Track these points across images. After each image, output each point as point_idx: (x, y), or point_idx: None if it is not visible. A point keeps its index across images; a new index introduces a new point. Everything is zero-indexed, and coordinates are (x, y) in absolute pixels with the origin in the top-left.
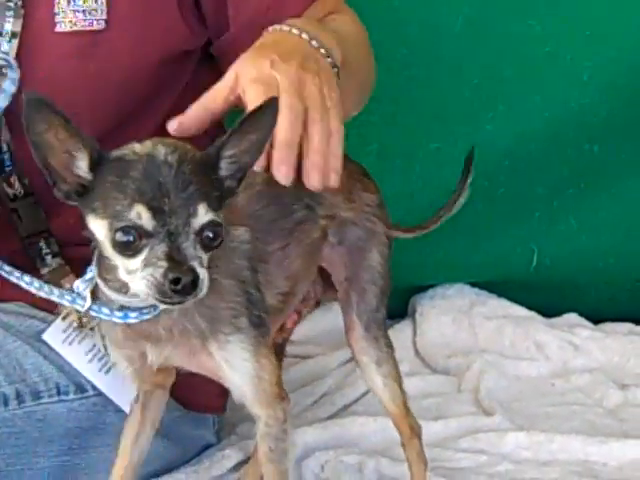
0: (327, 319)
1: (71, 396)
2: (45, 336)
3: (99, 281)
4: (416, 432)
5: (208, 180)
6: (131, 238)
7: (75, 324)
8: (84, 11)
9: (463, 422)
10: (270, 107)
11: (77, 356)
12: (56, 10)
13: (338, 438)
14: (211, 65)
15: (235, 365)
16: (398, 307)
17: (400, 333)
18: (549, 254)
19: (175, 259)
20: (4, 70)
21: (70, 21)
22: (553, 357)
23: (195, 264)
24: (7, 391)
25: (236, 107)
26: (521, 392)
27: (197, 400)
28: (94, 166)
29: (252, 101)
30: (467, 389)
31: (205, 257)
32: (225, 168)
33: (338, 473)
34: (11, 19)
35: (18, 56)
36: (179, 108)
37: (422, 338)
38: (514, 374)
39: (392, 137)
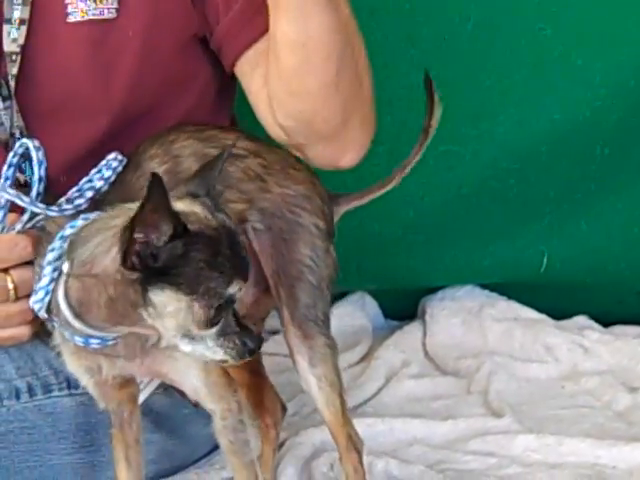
0: (334, 321)
1: (80, 390)
2: None
3: (69, 316)
4: (354, 444)
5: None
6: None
7: None
8: (95, 0)
9: (472, 424)
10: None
11: None
12: (68, 0)
13: None
14: (227, 77)
15: (181, 363)
16: (408, 309)
17: (409, 335)
18: (559, 257)
19: (241, 324)
20: None
21: (82, 10)
22: (563, 360)
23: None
24: (19, 384)
25: None
26: (530, 394)
27: None
28: (173, 239)
29: None
30: (476, 391)
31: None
32: None
33: None
34: (19, 7)
35: (28, 44)
36: (197, 110)
37: (432, 340)
38: (524, 376)
39: (401, 139)
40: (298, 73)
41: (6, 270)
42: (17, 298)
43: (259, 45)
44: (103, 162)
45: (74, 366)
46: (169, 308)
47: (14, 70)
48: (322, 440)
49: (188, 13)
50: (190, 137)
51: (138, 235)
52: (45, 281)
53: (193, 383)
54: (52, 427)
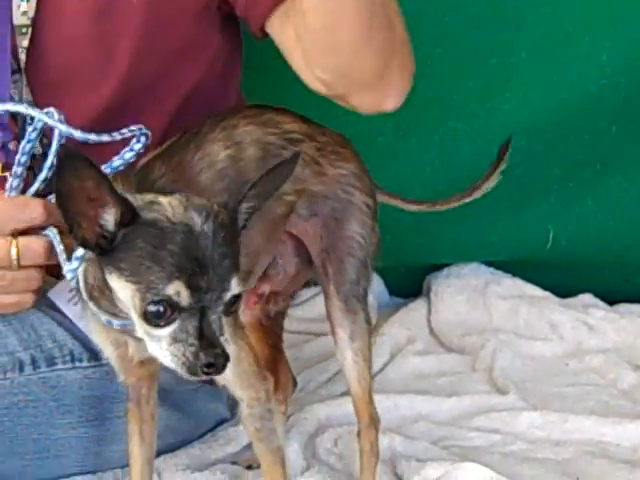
0: None
1: (85, 363)
2: (50, 294)
3: (86, 297)
4: (374, 422)
5: (236, 244)
6: (161, 309)
7: None
8: None
9: (477, 401)
10: (292, 160)
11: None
12: None
13: (351, 415)
14: (236, 47)
15: None
16: (413, 286)
17: (414, 312)
18: (565, 234)
19: (205, 337)
20: None
21: None
22: (567, 337)
23: (222, 340)
24: (23, 357)
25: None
26: (535, 372)
27: None
28: (122, 224)
29: None
30: (481, 368)
31: (224, 324)
32: (243, 219)
33: (351, 450)
34: None
35: (37, 17)
36: (205, 82)
37: (437, 317)
38: (528, 354)
39: (409, 115)
40: (328, 30)
41: (14, 236)
42: (20, 266)
43: (286, 3)
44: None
45: (101, 337)
46: (120, 294)
47: (25, 43)
48: (327, 416)
49: None
50: (251, 122)
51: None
52: (80, 252)
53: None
54: (56, 400)
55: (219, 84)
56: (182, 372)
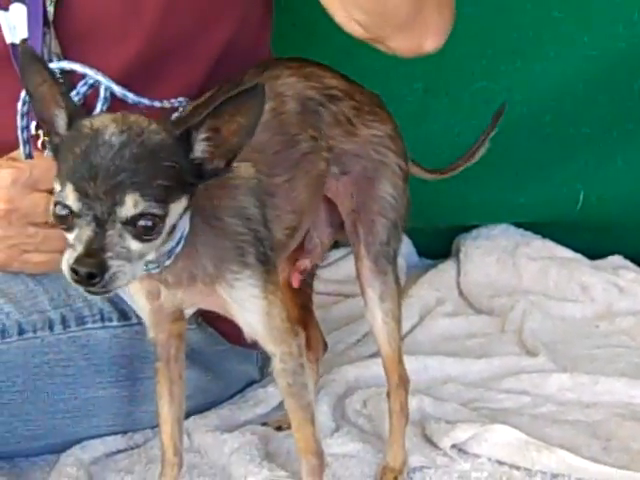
0: None
1: (114, 323)
2: None
3: None
4: (404, 383)
5: (156, 168)
6: (64, 214)
7: None
8: None
9: (506, 362)
10: (254, 91)
11: None
12: None
13: (380, 377)
14: (267, 2)
15: (245, 303)
16: (442, 247)
17: (444, 273)
18: (595, 195)
19: (92, 247)
20: None
21: None
22: (598, 299)
23: (111, 255)
24: (53, 316)
25: None
26: (565, 334)
27: (241, 335)
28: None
29: None
30: (511, 330)
31: (138, 247)
32: (203, 150)
33: (380, 411)
34: None
35: None
36: (236, 41)
37: (466, 278)
38: (558, 315)
39: (438, 76)
40: None
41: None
42: (54, 224)
43: None
44: None
45: (135, 288)
46: None
47: None
48: (356, 377)
49: None
50: (293, 74)
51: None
52: None
53: (253, 326)
54: (87, 360)
55: (251, 41)
56: (68, 279)
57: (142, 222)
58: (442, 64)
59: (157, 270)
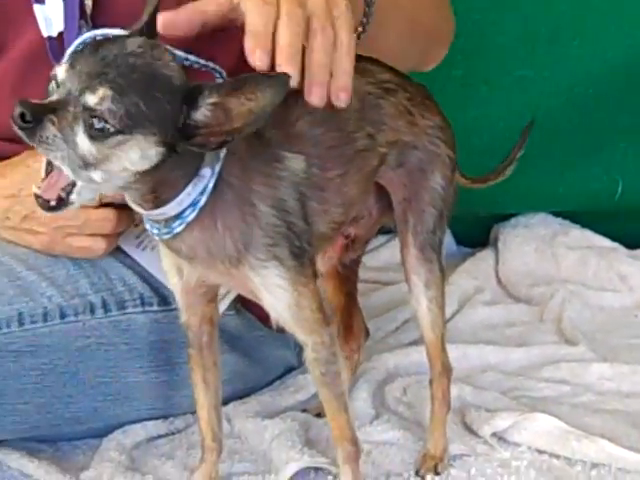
0: None
1: (155, 307)
2: (120, 242)
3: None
4: (447, 371)
5: (145, 89)
6: (50, 87)
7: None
8: None
9: (546, 351)
10: (278, 80)
11: (151, 261)
12: None
13: (419, 364)
14: None
15: (272, 291)
16: (480, 235)
17: (482, 261)
18: (634, 185)
19: (44, 103)
20: None
21: None
22: (636, 289)
23: (53, 120)
24: (94, 299)
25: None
26: (604, 323)
27: None
28: None
29: (250, 10)
30: (549, 319)
31: (81, 140)
32: (205, 116)
33: (420, 399)
34: None
35: None
36: None
37: (504, 267)
38: (597, 305)
39: (477, 63)
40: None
41: None
42: (99, 205)
43: None
44: None
45: (167, 265)
46: None
47: None
48: (395, 365)
49: None
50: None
51: None
52: None
53: (281, 314)
54: (128, 344)
55: None
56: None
57: (97, 119)
58: (481, 52)
59: (168, 236)
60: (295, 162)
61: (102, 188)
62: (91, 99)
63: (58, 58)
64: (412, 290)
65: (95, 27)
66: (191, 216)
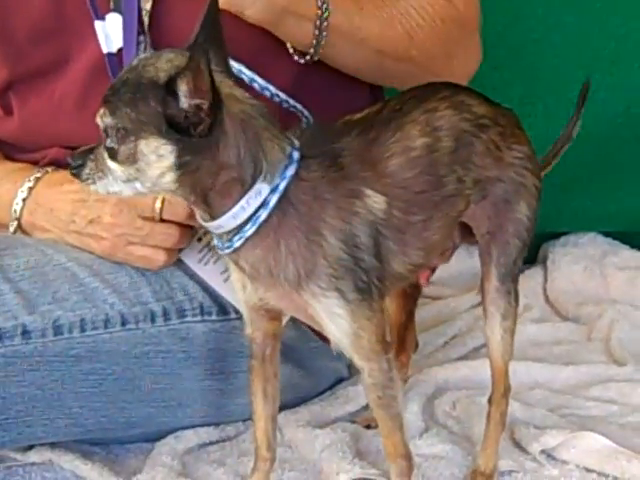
0: (458, 262)
1: (214, 317)
2: (182, 255)
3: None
4: (507, 393)
5: (132, 97)
6: None
7: (211, 244)
8: None
9: (593, 370)
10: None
11: (212, 276)
12: None
13: (469, 379)
14: None
15: (331, 319)
16: (529, 253)
17: (530, 279)
18: None
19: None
20: None
21: None
22: None
23: (92, 158)
24: (155, 308)
25: None
26: None
27: None
28: None
29: None
30: (597, 338)
31: (111, 164)
32: (188, 105)
33: (470, 413)
34: None
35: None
36: None
37: (552, 285)
38: None
39: (536, 83)
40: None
41: None
42: (162, 219)
43: None
44: None
45: (234, 279)
46: None
47: (148, 5)
48: (445, 379)
49: None
50: (449, 106)
51: None
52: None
53: (340, 342)
54: (185, 352)
55: None
56: None
57: (107, 140)
58: (539, 72)
59: (229, 250)
60: (375, 201)
61: (157, 193)
62: (99, 122)
63: (117, 74)
64: (488, 319)
65: (153, 42)
66: (250, 231)
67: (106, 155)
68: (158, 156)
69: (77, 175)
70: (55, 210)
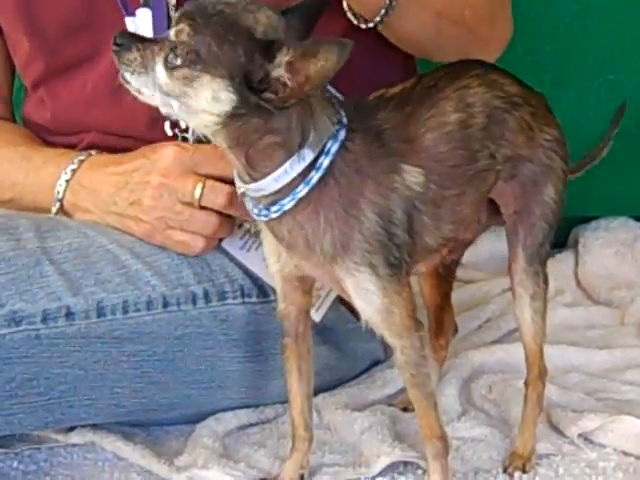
0: (489, 245)
1: (254, 299)
2: (223, 243)
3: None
4: (543, 375)
5: (221, 33)
6: None
7: (252, 231)
8: None
9: (628, 354)
10: (345, 45)
11: (254, 262)
12: None
13: (504, 363)
14: None
15: (363, 295)
16: (560, 237)
17: (562, 263)
18: None
19: (137, 35)
20: None
21: None
22: None
23: (139, 45)
24: (196, 290)
25: None
26: None
27: None
28: None
29: None
30: (630, 322)
31: (158, 68)
32: (278, 72)
33: (506, 397)
34: None
35: None
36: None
37: (584, 269)
38: None
39: (567, 67)
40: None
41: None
42: (201, 206)
43: None
44: None
45: (268, 251)
46: None
47: (173, 1)
48: (481, 362)
49: None
50: (481, 83)
51: None
52: None
53: (371, 318)
54: (225, 334)
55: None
56: None
57: (172, 53)
58: (570, 56)
59: (266, 218)
60: (413, 176)
61: (188, 122)
62: (172, 32)
63: None
64: (517, 301)
65: None
66: (289, 205)
67: (161, 60)
68: (214, 97)
69: (118, 53)
70: (98, 191)
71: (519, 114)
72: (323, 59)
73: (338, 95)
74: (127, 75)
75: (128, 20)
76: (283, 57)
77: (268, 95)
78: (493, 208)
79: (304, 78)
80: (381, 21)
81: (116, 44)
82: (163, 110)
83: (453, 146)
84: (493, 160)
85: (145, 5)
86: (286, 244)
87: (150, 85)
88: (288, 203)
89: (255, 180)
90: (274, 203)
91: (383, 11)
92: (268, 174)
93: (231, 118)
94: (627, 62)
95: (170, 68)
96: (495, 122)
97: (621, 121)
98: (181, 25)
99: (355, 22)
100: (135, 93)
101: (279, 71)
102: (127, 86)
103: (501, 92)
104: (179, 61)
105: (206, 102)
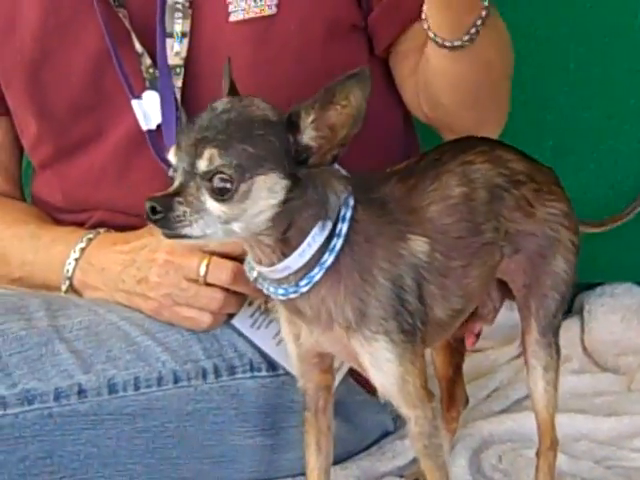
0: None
1: (263, 373)
2: (233, 321)
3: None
4: (554, 446)
5: (246, 134)
6: (170, 174)
7: (262, 308)
8: None
9: (636, 421)
10: (362, 76)
11: (265, 340)
12: (229, 0)
13: (513, 432)
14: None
15: (380, 365)
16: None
17: (568, 330)
18: None
19: (169, 192)
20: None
21: (243, 9)
22: None
23: (181, 200)
24: (206, 365)
25: None
26: None
27: None
28: None
29: None
30: (638, 389)
31: (212, 206)
32: (311, 137)
33: (517, 467)
34: (180, 20)
35: (191, 55)
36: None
37: (590, 336)
38: None
39: (567, 135)
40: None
41: (212, 254)
42: (207, 283)
43: (409, 34)
44: None
45: (286, 332)
46: None
47: (179, 83)
48: (490, 432)
49: (346, 2)
50: (486, 160)
51: None
52: None
53: (386, 387)
54: (236, 409)
55: (385, 105)
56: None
57: (216, 180)
58: (571, 123)
59: (296, 294)
60: (419, 245)
61: (246, 234)
62: (202, 165)
63: (158, 148)
64: (530, 372)
65: (187, 116)
66: (318, 276)
67: (207, 196)
68: (271, 192)
69: (164, 221)
70: (106, 270)
71: (519, 192)
72: (344, 99)
73: (342, 170)
74: (186, 231)
75: (135, 103)
76: (307, 121)
77: (312, 161)
78: (504, 288)
79: (338, 126)
80: (470, 40)
81: (155, 212)
82: (229, 239)
83: (457, 218)
84: (497, 234)
85: (152, 88)
86: (308, 318)
87: (210, 224)
88: (317, 274)
89: (286, 257)
90: (302, 277)
91: (470, 33)
92: (296, 249)
93: (283, 206)
94: (623, 130)
95: (223, 197)
96: (495, 198)
97: (621, 188)
98: (206, 153)
99: (439, 42)
100: (200, 241)
101: (310, 133)
102: (188, 241)
103: (505, 169)
104: (229, 184)
105: (263, 202)
